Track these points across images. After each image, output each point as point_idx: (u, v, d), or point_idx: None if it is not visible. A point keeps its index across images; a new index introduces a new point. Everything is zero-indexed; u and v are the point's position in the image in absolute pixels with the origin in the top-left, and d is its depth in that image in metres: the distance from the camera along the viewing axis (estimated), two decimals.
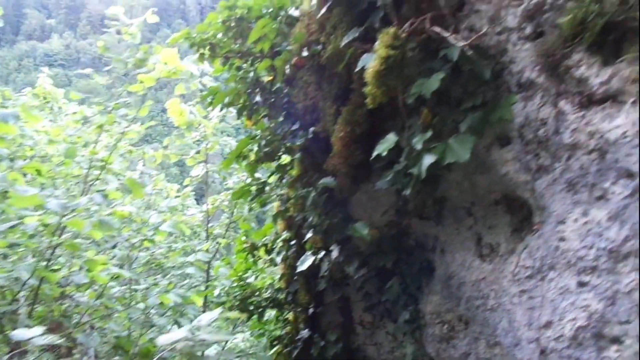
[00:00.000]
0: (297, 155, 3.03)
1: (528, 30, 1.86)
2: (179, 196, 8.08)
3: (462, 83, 2.16)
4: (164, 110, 6.59)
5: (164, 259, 4.89)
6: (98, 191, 3.39)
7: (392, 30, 1.90)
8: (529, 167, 1.92)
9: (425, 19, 2.09)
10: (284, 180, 3.03)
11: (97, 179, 3.95)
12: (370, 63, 1.88)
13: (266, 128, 2.93)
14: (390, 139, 2.17)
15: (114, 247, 5.41)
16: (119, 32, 4.16)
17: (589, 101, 1.61)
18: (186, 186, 7.18)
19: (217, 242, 5.14)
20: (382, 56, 1.85)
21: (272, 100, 3.00)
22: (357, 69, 2.18)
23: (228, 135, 7.69)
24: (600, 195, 1.55)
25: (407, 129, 2.30)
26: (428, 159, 2.00)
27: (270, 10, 2.90)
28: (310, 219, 2.71)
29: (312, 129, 2.73)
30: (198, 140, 6.10)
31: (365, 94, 2.05)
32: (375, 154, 2.17)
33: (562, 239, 1.71)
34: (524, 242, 2.03)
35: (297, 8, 2.72)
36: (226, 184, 6.36)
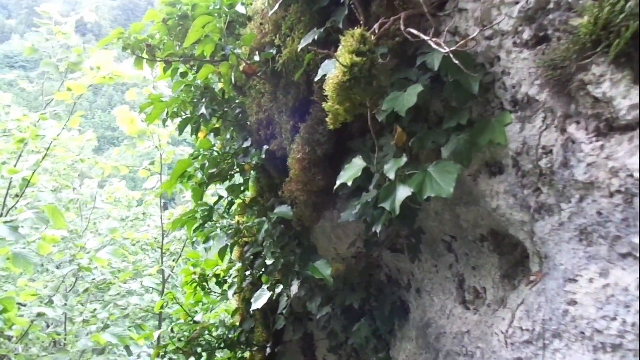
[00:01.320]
0: (251, 175, 2.60)
1: (526, 34, 1.49)
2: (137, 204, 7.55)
3: (443, 96, 1.79)
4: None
5: (107, 283, 4.34)
6: (6, 222, 2.85)
7: (357, 31, 1.50)
8: (527, 204, 1.55)
9: (399, 19, 1.71)
10: (236, 204, 2.61)
11: (16, 201, 3.41)
12: (331, 73, 1.48)
13: (212, 145, 2.50)
14: (357, 164, 1.77)
15: (58, 266, 4.86)
16: (51, 32, 3.65)
17: (609, 128, 1.24)
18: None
19: (169, 265, 4.63)
20: (346, 64, 1.45)
21: (221, 112, 2.56)
22: (317, 78, 1.78)
23: (188, 144, 7.20)
24: (626, 253, 1.19)
25: (377, 150, 1.91)
26: (403, 192, 1.60)
27: (218, 7, 2.47)
28: (264, 253, 2.29)
29: (266, 147, 2.31)
30: (153, 149, 5.59)
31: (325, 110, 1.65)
32: (338, 183, 1.77)
33: (572, 302, 1.34)
34: (519, 294, 1.65)
35: (245, 4, 2.29)
36: (183, 196, 5.87)
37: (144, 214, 8.31)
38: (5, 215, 3.19)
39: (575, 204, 1.35)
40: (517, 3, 1.50)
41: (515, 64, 1.55)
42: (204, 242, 2.44)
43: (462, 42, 1.42)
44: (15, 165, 3.51)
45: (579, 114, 1.34)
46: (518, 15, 1.49)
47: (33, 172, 3.26)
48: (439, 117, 1.89)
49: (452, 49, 1.41)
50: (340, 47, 1.62)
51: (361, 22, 1.58)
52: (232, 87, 2.49)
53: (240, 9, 2.19)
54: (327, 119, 1.54)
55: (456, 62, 1.41)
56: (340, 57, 1.48)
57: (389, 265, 2.47)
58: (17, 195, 3.37)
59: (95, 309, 3.86)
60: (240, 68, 2.11)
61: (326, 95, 1.51)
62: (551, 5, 1.40)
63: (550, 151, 1.44)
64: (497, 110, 1.70)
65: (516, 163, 1.58)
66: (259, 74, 2.16)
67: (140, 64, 2.62)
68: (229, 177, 2.69)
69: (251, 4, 2.60)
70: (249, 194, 2.91)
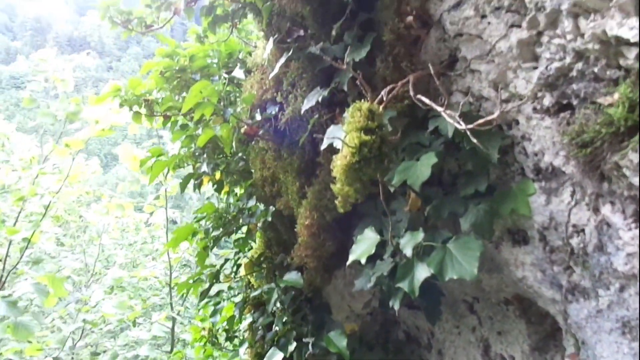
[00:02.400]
0: (258, 230, 2.49)
1: (547, 101, 1.38)
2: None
3: (459, 157, 1.68)
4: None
5: (114, 333, 4.23)
6: (4, 298, 2.76)
7: (365, 106, 1.39)
8: (558, 282, 1.43)
9: (408, 83, 1.60)
10: (243, 262, 2.50)
11: (17, 262, 3.31)
12: (339, 159, 1.37)
13: (215, 209, 2.40)
14: (370, 238, 1.66)
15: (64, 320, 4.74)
16: (47, 80, 3.59)
17: None
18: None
19: (178, 310, 4.51)
20: (355, 145, 1.34)
21: (224, 165, 2.46)
22: (323, 147, 1.67)
23: None
24: None
25: (390, 216, 1.80)
26: (422, 273, 1.49)
27: (216, 61, 2.38)
28: (275, 324, 2.17)
29: (272, 208, 2.21)
30: (157, 184, 5.51)
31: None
32: (351, 259, 1.66)
33: None
34: None
35: (241, 67, 2.19)
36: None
37: (152, 237, 8.24)
38: (6, 279, 3.10)
39: (616, 293, 1.22)
40: (535, 68, 1.39)
41: (537, 131, 1.43)
42: (211, 316, 2.34)
43: (481, 121, 1.30)
44: (15, 224, 3.44)
45: (613, 194, 1.22)
46: (537, 82, 1.37)
47: (33, 232, 3.18)
48: (454, 176, 1.77)
49: (469, 126, 1.29)
50: (347, 118, 1.52)
51: (367, 95, 1.46)
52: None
53: (236, 73, 2.08)
54: (336, 202, 1.43)
55: (474, 140, 1.30)
56: (348, 136, 1.38)
57: (407, 322, 2.35)
58: (21, 250, 3.29)
59: None
60: (242, 130, 2.02)
61: (334, 178, 1.40)
62: (574, 74, 1.28)
63: (582, 230, 1.32)
64: (517, 175, 1.58)
65: (543, 237, 1.46)
66: (260, 134, 2.07)
67: (138, 118, 2.54)
68: (234, 230, 2.59)
69: (250, 54, 2.51)
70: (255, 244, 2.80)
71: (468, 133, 1.31)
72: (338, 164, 1.38)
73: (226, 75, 2.08)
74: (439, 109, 1.43)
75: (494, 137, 1.44)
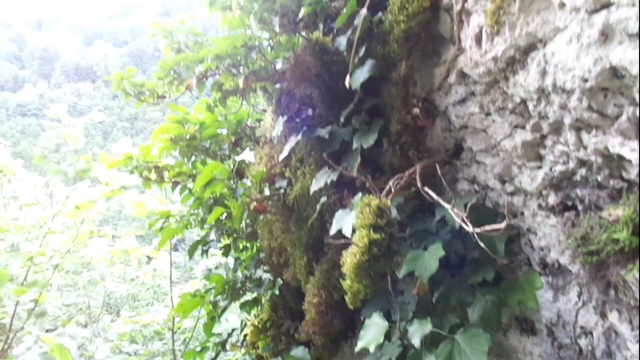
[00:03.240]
0: (266, 298, 2.50)
1: (552, 199, 1.41)
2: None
3: (465, 245, 1.70)
4: None
5: None
6: None
7: (374, 203, 1.43)
8: None
9: (415, 174, 1.64)
10: (248, 330, 2.50)
11: (24, 323, 3.31)
12: (348, 257, 1.40)
13: (224, 282, 2.42)
14: (378, 325, 1.67)
15: None
16: (59, 136, 3.66)
17: None
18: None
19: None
20: (364, 244, 1.37)
21: (232, 231, 2.49)
22: (332, 232, 1.70)
23: None
24: None
25: (396, 296, 1.82)
26: None
27: (226, 129, 2.44)
28: None
29: (280, 280, 2.23)
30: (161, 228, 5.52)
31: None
32: (360, 346, 1.67)
33: None
34: None
35: (250, 135, 2.25)
36: (193, 274, 5.77)
37: (154, 270, 8.20)
38: (11, 342, 3.09)
39: None
40: (540, 168, 1.43)
41: (542, 228, 1.46)
42: None
43: (488, 228, 1.33)
44: (23, 284, 3.46)
45: (620, 302, 1.24)
46: (542, 182, 1.41)
47: (40, 293, 3.20)
48: (460, 258, 1.79)
49: (476, 230, 1.32)
50: (355, 208, 1.55)
51: (376, 193, 1.50)
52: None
53: (245, 155, 2.13)
54: (346, 298, 1.45)
55: (481, 244, 1.33)
56: (357, 234, 1.41)
57: None
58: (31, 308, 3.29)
59: None
60: (251, 207, 2.06)
61: (343, 274, 1.42)
62: (578, 178, 1.32)
63: (591, 333, 1.33)
64: (524, 265, 1.60)
65: (551, 333, 1.47)
66: (269, 209, 2.10)
67: (148, 184, 2.58)
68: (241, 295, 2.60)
69: (259, 121, 2.57)
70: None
71: (475, 236, 1.33)
72: (348, 261, 1.41)
73: (236, 159, 2.13)
74: (447, 205, 1.47)
75: (501, 236, 1.46)
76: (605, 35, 1.06)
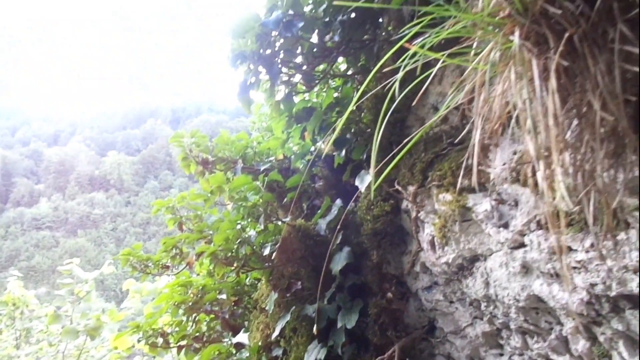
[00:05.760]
0: None
1: None
2: None
3: None
4: None
5: None
6: None
7: None
8: None
9: (394, 354, 1.79)
10: None
11: None
12: None
13: None
14: None
15: None
16: (72, 293, 3.88)
17: None
18: None
19: None
20: None
21: None
22: None
23: None
24: None
25: None
26: None
27: (225, 294, 2.63)
28: None
29: None
30: None
31: None
32: None
33: None
34: None
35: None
36: None
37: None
38: None
39: None
40: (502, 355, 1.58)
41: None
42: None
43: None
44: None
45: None
46: None
47: None
48: None
49: None
50: None
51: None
52: None
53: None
54: None
55: None
56: None
57: None
58: None
59: None
60: None
61: None
62: None
63: None
64: None
65: None
66: None
67: (155, 350, 2.73)
68: None
69: (259, 281, 2.76)
70: None
71: None
72: None
73: (232, 340, 2.30)
74: None
75: None
76: (526, 269, 1.27)
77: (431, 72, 0.99)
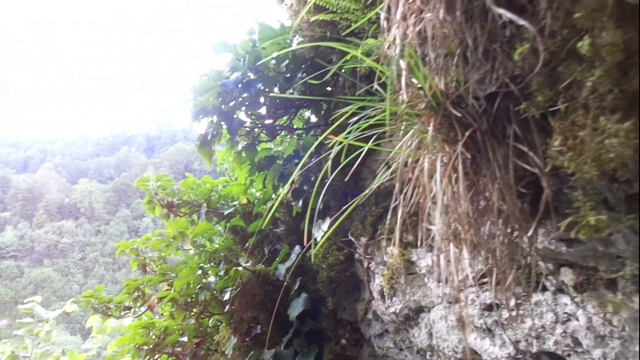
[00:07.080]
0: None
1: None
2: None
3: None
4: None
5: None
6: None
7: None
8: None
9: None
10: None
11: None
12: None
13: None
14: None
15: None
16: (31, 333, 3.79)
17: None
18: None
19: None
20: None
21: None
22: None
23: None
24: None
25: None
26: None
27: (187, 336, 2.64)
28: None
29: None
30: None
31: None
32: None
33: None
34: None
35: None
36: None
37: None
38: None
39: None
40: None
41: None
42: None
43: None
44: None
45: None
46: None
47: None
48: None
49: None
50: None
51: None
52: None
53: None
54: None
55: None
56: None
57: None
58: None
59: None
60: None
61: None
62: None
63: None
64: None
65: None
66: None
67: None
68: None
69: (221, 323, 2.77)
70: None
71: None
72: None
73: None
74: None
75: None
76: (462, 323, 1.35)
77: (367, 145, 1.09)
